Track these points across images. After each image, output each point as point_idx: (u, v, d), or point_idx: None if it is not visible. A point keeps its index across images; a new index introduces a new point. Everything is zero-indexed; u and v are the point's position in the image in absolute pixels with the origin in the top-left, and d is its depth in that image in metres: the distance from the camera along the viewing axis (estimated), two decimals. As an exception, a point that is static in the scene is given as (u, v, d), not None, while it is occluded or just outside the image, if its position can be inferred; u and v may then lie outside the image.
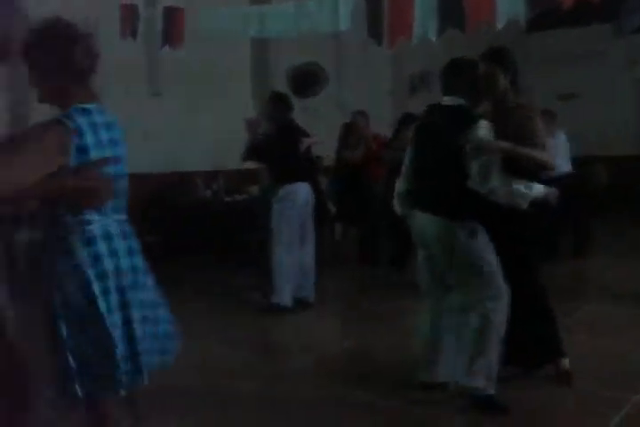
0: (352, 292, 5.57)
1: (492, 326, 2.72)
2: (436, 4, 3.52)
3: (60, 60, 1.78)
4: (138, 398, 2.01)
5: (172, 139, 6.46)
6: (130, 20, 5.63)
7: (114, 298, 1.81)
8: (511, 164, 2.77)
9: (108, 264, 1.81)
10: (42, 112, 1.98)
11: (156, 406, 2.00)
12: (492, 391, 2.76)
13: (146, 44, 6.15)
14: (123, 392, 1.83)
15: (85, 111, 1.80)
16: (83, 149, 1.76)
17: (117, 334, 1.79)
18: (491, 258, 2.77)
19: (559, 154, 5.54)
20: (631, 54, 9.63)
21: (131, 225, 1.95)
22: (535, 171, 2.92)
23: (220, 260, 6.09)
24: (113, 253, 1.83)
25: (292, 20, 4.41)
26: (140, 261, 1.92)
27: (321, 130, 6.08)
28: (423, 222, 2.84)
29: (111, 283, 1.81)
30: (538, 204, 2.89)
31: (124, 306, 1.83)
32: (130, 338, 1.81)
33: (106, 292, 1.79)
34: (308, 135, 4.92)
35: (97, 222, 1.82)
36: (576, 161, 6.24)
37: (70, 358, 1.75)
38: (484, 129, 2.70)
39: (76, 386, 1.75)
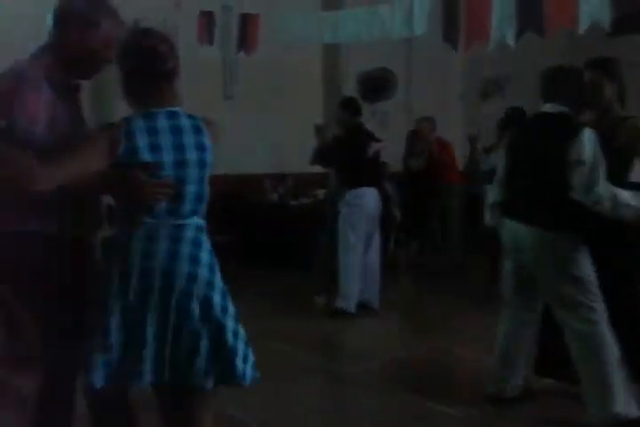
0: (418, 299, 5.51)
1: (603, 345, 2.61)
2: (515, 8, 3.45)
3: (142, 64, 1.82)
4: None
5: (242, 141, 6.59)
6: (207, 26, 5.82)
7: (125, 301, 1.80)
8: (617, 173, 2.67)
9: (135, 265, 1.79)
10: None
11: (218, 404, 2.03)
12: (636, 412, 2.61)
13: (221, 49, 6.30)
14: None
15: (149, 116, 1.83)
16: (131, 151, 1.78)
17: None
18: (589, 271, 2.66)
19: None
20: None
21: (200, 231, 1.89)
22: None
23: (285, 262, 6.14)
24: (147, 255, 1.80)
25: (365, 25, 4.43)
26: (187, 267, 1.82)
27: (390, 135, 6.06)
28: (517, 233, 2.75)
29: (132, 284, 1.79)
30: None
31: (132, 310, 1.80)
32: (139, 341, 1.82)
33: (121, 293, 1.79)
34: (377, 140, 4.90)
35: (144, 225, 1.82)
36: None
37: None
38: (590, 140, 2.57)
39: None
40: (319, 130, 4.90)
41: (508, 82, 7.89)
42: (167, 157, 1.82)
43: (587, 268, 2.67)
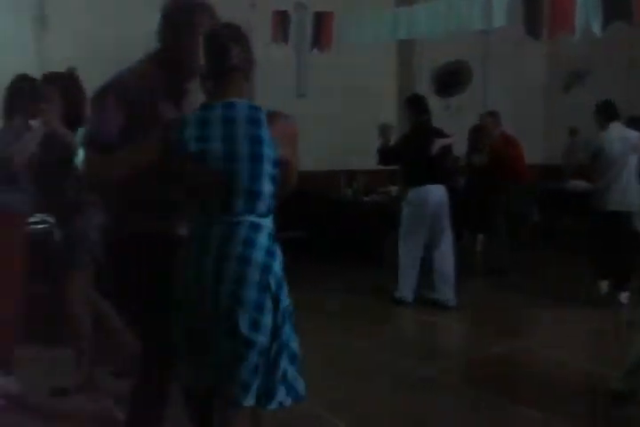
0: (491, 297, 5.39)
1: None
2: (601, -3, 3.31)
3: (210, 58, 1.83)
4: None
5: (316, 138, 6.64)
6: (281, 25, 5.89)
7: (181, 302, 1.79)
8: None
9: (189, 265, 1.77)
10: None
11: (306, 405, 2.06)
12: None
13: (294, 48, 6.36)
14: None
15: (206, 106, 1.82)
16: (181, 142, 1.77)
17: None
18: None
19: None
20: None
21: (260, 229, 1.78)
22: None
23: (356, 259, 6.14)
24: (199, 255, 1.76)
25: (442, 19, 4.37)
26: (236, 268, 1.72)
27: (464, 130, 5.97)
28: None
29: (188, 284, 1.78)
30: None
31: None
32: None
33: (179, 293, 1.80)
34: (444, 136, 4.82)
35: (197, 221, 1.80)
36: None
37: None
38: None
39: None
40: (383, 129, 4.91)
41: (588, 73, 7.60)
42: (215, 149, 1.75)
43: None
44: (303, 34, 6.20)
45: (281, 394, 1.80)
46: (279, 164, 1.81)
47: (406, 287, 4.78)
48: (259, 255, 1.74)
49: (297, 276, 1.94)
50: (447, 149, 4.83)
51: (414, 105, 4.85)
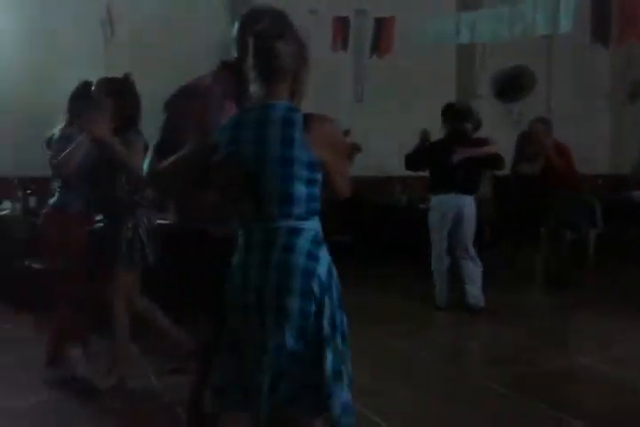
0: (539, 305, 5.25)
1: None
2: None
3: (256, 59, 1.77)
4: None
5: (374, 143, 6.63)
6: (341, 31, 5.92)
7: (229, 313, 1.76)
8: None
9: (234, 274, 1.75)
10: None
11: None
12: None
13: (354, 53, 6.38)
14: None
15: (245, 109, 1.80)
16: (217, 145, 1.76)
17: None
18: None
19: None
20: None
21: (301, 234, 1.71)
22: None
23: (411, 265, 6.09)
24: (241, 264, 1.74)
25: (506, 24, 4.30)
26: (277, 277, 1.67)
27: (526, 136, 5.83)
28: None
29: (230, 295, 1.75)
30: None
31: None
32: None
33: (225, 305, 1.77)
34: (482, 144, 4.72)
35: (239, 228, 1.77)
36: None
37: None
38: None
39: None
40: (422, 135, 4.93)
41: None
42: (246, 151, 1.71)
43: None
44: (363, 39, 6.22)
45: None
46: (319, 167, 1.73)
47: (439, 293, 4.84)
48: (299, 260, 1.67)
49: (345, 280, 1.87)
50: (477, 160, 4.67)
51: (446, 113, 4.87)
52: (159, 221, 4.15)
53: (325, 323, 1.69)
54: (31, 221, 4.05)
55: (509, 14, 4.32)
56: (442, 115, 4.89)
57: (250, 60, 1.74)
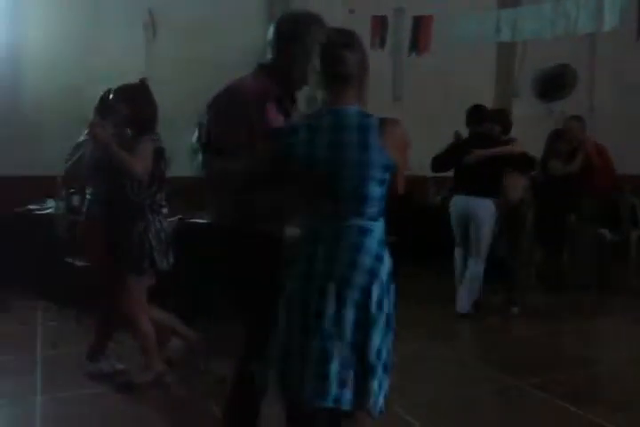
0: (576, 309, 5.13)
1: None
2: None
3: (324, 66, 1.84)
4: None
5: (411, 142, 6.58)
6: (379, 29, 5.89)
7: (290, 305, 1.83)
8: None
9: (299, 269, 1.82)
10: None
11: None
12: None
13: (392, 51, 6.34)
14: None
15: (315, 113, 1.86)
16: (288, 147, 1.81)
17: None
18: None
19: None
20: None
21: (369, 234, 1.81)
22: None
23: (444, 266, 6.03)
24: (308, 259, 1.81)
25: (549, 21, 4.22)
26: (344, 273, 1.77)
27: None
28: None
29: (295, 288, 1.82)
30: None
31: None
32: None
33: (288, 296, 1.84)
34: (502, 144, 4.64)
35: (308, 225, 1.84)
36: None
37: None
38: None
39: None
40: (456, 136, 4.91)
41: None
42: (321, 154, 1.79)
43: None
44: (401, 38, 6.19)
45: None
46: (391, 169, 1.83)
47: (460, 299, 4.69)
48: (367, 260, 1.77)
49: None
50: (494, 161, 4.59)
51: (469, 115, 4.82)
52: (196, 221, 4.19)
53: (382, 322, 1.79)
54: (73, 220, 4.14)
55: (552, 11, 4.23)
56: (466, 117, 4.84)
57: (316, 67, 1.84)
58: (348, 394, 1.77)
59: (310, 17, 2.11)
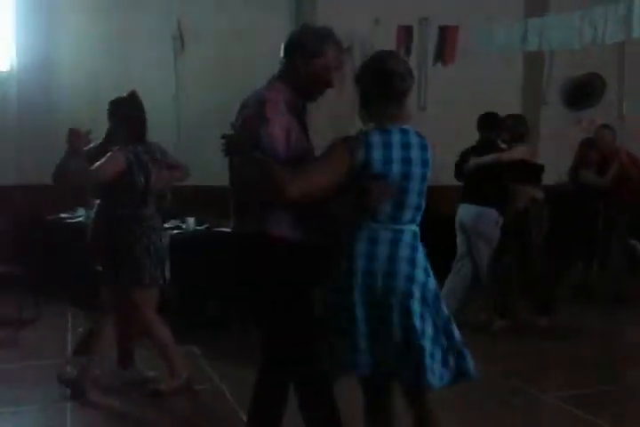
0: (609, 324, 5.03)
1: None
2: None
3: (380, 88, 2.02)
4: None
5: (437, 152, 6.56)
6: (405, 39, 5.92)
7: (360, 298, 1.99)
8: None
9: (361, 265, 1.99)
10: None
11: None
12: None
13: (417, 61, 6.35)
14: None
15: (384, 132, 2.02)
16: (367, 163, 1.98)
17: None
18: None
19: None
20: None
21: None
22: None
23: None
24: (370, 257, 2.00)
25: (577, 30, 4.19)
26: (406, 269, 2.01)
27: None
28: None
29: (356, 283, 1.99)
30: None
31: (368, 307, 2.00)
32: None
33: (348, 290, 1.99)
34: (499, 151, 4.60)
35: (367, 228, 2.02)
36: None
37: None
38: None
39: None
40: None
41: None
42: (395, 170, 2.02)
43: None
44: (426, 48, 6.20)
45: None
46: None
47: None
48: (421, 258, 2.06)
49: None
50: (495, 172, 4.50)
51: (478, 122, 4.82)
52: (223, 229, 4.22)
53: (445, 308, 2.07)
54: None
55: (579, 20, 4.21)
56: (477, 123, 4.82)
57: (371, 85, 2.03)
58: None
59: (329, 32, 2.18)
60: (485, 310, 4.68)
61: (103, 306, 3.29)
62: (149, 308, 3.18)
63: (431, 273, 2.06)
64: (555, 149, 7.04)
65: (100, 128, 3.19)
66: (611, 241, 5.41)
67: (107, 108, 3.26)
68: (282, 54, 2.18)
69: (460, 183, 4.97)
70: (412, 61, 6.18)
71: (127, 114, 3.18)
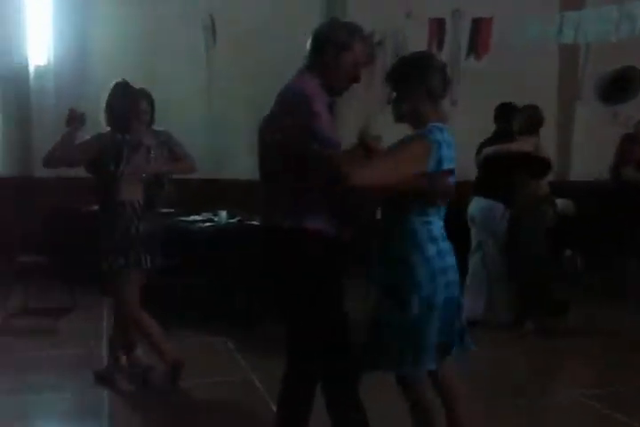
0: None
1: None
2: None
3: (420, 86, 2.07)
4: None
5: (468, 147, 6.49)
6: (437, 32, 5.87)
7: (442, 291, 2.08)
8: None
9: (441, 262, 2.09)
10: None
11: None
12: None
13: (450, 55, 6.28)
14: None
15: (441, 129, 2.08)
16: (439, 160, 2.04)
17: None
18: None
19: None
20: None
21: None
22: None
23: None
24: (443, 252, 2.11)
25: (614, 24, 4.10)
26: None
27: (634, 139, 5.51)
28: None
29: (442, 278, 2.09)
30: None
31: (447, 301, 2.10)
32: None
33: (445, 284, 2.08)
34: (506, 142, 4.47)
35: (436, 223, 2.11)
36: None
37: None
38: None
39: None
40: None
41: None
42: (452, 165, 2.09)
43: None
44: (459, 41, 6.13)
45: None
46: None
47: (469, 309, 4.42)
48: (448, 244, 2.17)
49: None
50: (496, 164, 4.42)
51: (495, 113, 4.75)
52: (256, 223, 4.22)
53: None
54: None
55: (616, 13, 4.12)
56: (494, 114, 4.74)
57: (436, 84, 2.08)
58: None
59: (357, 27, 2.18)
60: (510, 309, 4.51)
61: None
62: (129, 292, 3.15)
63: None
64: (590, 145, 6.91)
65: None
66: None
67: None
68: (308, 48, 2.17)
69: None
70: (445, 55, 6.13)
71: (107, 103, 3.23)
